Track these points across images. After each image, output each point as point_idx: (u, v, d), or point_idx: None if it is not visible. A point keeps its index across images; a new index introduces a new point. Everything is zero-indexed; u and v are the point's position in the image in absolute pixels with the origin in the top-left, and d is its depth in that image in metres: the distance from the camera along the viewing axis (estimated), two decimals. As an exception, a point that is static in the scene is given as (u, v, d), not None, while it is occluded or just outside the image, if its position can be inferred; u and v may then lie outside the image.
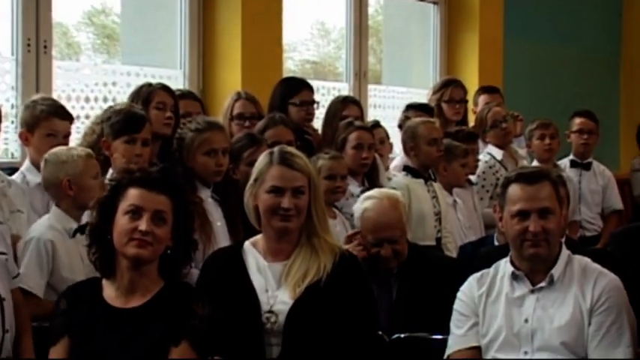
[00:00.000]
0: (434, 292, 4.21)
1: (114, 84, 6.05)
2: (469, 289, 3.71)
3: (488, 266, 3.75)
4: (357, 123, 5.76)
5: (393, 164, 6.41)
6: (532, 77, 9.11)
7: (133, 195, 3.39)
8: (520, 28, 8.97)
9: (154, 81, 5.55)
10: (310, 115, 5.99)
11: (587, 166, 7.62)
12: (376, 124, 6.29)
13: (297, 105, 5.90)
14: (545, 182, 3.64)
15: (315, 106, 6.05)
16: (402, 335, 4.04)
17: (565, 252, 3.65)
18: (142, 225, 3.34)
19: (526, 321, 3.54)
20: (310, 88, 6.05)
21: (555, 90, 9.30)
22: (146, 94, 5.10)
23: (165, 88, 5.22)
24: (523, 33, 9.01)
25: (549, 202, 3.60)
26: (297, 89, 5.97)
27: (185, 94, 5.58)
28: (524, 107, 7.99)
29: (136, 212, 3.36)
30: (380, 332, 3.94)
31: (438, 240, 5.73)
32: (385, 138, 6.33)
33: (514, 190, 3.63)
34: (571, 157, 7.65)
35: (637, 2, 10.42)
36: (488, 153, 6.76)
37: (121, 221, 3.37)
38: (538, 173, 3.69)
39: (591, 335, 3.47)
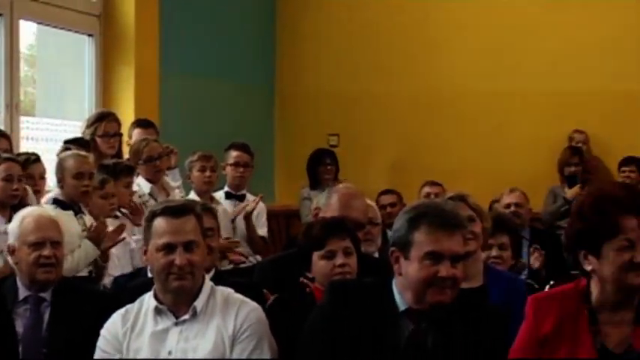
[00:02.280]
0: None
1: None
2: (113, 326, 3.72)
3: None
4: (5, 155, 5.65)
5: (46, 197, 6.28)
6: (189, 110, 9.23)
7: None
8: (177, 61, 9.07)
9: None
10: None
11: (242, 198, 7.82)
12: (36, 159, 6.18)
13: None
14: (189, 216, 3.73)
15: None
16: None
17: (208, 284, 3.74)
18: None
19: (169, 353, 3.60)
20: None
21: (212, 123, 9.46)
22: None
23: None
24: (180, 66, 9.12)
25: (194, 236, 3.70)
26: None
27: None
28: (181, 140, 8.09)
29: None
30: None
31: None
32: (44, 173, 6.23)
33: (160, 223, 3.69)
34: (226, 188, 7.82)
35: (289, 38, 10.85)
36: (138, 184, 6.81)
37: None
38: (183, 207, 3.78)
39: (233, 363, 3.58)
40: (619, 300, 3.27)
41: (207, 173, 7.25)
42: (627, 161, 9.14)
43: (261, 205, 7.86)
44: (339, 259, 4.11)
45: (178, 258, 3.61)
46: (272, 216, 8.34)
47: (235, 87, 10.02)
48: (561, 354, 3.30)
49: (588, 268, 3.30)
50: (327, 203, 4.80)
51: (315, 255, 4.16)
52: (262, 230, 7.79)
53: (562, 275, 5.55)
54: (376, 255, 5.29)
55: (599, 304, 3.31)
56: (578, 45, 9.96)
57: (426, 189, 7.97)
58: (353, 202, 4.77)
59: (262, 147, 9.66)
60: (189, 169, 7.30)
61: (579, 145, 9.60)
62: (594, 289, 3.32)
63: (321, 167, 9.29)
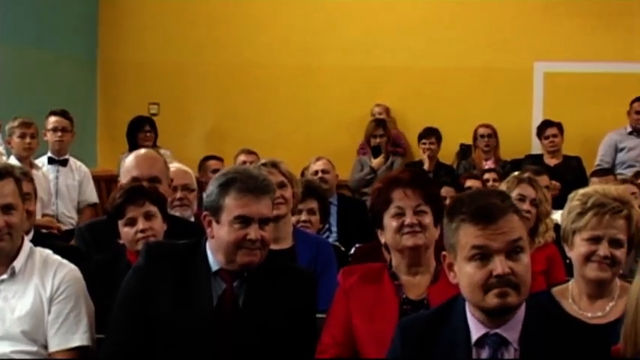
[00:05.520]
0: None
1: None
2: None
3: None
4: None
5: None
6: (11, 78, 8.89)
7: None
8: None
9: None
10: None
11: (64, 163, 7.66)
12: None
13: None
14: (8, 179, 3.59)
15: None
16: None
17: (27, 245, 3.65)
18: None
19: (-12, 312, 3.50)
20: None
21: (35, 91, 9.15)
22: None
23: None
24: (2, 36, 8.77)
25: (12, 198, 3.56)
26: None
27: None
28: (3, 107, 7.86)
29: None
30: None
31: None
32: None
33: None
34: (48, 154, 7.65)
35: (111, 9, 10.62)
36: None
37: None
38: (1, 170, 3.62)
39: (50, 323, 3.52)
40: (409, 263, 3.47)
41: (27, 140, 7.17)
42: (427, 132, 9.32)
43: (85, 170, 7.75)
44: (140, 225, 4.06)
45: None
46: (94, 180, 8.20)
47: (57, 56, 9.72)
48: (366, 298, 3.46)
49: (383, 240, 3.54)
50: (123, 169, 4.70)
51: (120, 223, 4.10)
52: (92, 197, 7.75)
53: (367, 239, 5.68)
54: (192, 220, 5.23)
55: (396, 268, 3.51)
56: (385, 25, 10.17)
57: (242, 157, 7.96)
58: (144, 162, 4.64)
59: (86, 115, 9.48)
60: (10, 135, 7.16)
61: (382, 117, 9.78)
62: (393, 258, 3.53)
63: (140, 134, 9.19)
